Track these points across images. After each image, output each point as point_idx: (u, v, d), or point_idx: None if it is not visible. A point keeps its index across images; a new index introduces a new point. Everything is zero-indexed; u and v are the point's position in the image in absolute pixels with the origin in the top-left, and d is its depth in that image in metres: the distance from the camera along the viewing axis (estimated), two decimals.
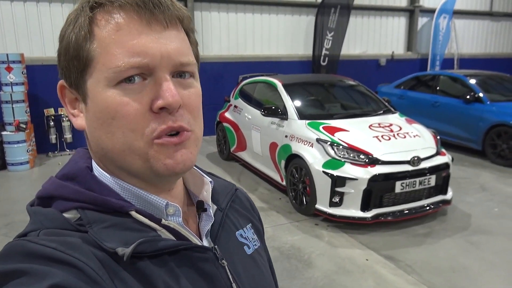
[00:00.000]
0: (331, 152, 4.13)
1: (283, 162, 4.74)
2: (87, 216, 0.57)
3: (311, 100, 5.43)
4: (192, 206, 0.72)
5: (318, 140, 4.28)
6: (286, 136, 4.71)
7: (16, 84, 6.16)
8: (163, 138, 0.57)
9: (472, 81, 6.98)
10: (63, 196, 0.59)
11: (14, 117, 6.12)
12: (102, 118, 0.57)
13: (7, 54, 6.08)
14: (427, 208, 4.17)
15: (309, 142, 4.36)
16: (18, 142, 6.11)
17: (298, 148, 4.45)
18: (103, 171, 0.63)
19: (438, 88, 7.56)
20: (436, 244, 3.80)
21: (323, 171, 4.05)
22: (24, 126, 6.20)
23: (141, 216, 0.59)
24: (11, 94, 6.08)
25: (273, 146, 4.99)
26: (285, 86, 5.27)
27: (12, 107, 6.10)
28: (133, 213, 0.59)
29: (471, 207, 4.64)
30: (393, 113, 5.18)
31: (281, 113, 4.93)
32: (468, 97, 6.73)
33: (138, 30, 0.56)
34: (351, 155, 4.09)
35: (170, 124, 0.57)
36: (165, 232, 0.62)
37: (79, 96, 0.61)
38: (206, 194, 0.72)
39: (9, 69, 6.07)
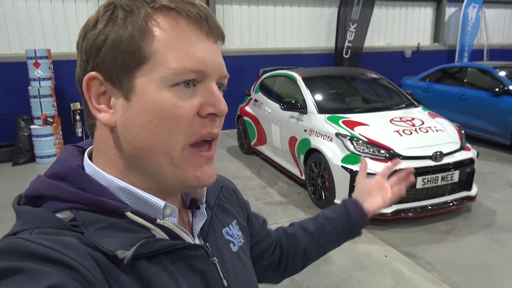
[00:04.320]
0: (350, 146, 4.08)
1: (302, 157, 4.72)
2: (81, 216, 0.57)
3: (331, 94, 5.37)
4: (184, 204, 0.73)
5: (337, 134, 4.24)
6: (305, 130, 4.68)
7: (44, 79, 6.35)
8: (196, 151, 0.61)
9: (502, 73, 6.72)
10: (55, 196, 0.58)
11: (41, 111, 6.32)
12: (149, 116, 0.57)
13: (34, 50, 6.27)
14: (450, 204, 4.07)
15: (328, 137, 4.31)
16: (45, 136, 6.32)
17: (317, 142, 4.41)
18: (100, 170, 0.62)
19: (465, 80, 7.31)
20: (458, 242, 3.71)
21: (342, 166, 4.01)
22: (51, 120, 6.40)
23: (136, 217, 0.59)
24: (38, 89, 6.28)
25: (292, 140, 4.97)
26: (305, 80, 5.22)
27: (40, 102, 6.30)
28: (128, 213, 0.59)
29: (497, 204, 4.50)
30: (416, 106, 5.05)
31: (300, 107, 4.90)
32: (497, 89, 6.49)
33: (198, 37, 0.60)
34: (371, 149, 4.03)
35: (211, 130, 0.61)
36: (160, 231, 0.62)
37: (119, 91, 0.58)
38: (200, 192, 0.72)
39: (36, 65, 6.27)
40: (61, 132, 6.82)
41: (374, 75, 5.73)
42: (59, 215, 0.57)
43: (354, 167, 3.93)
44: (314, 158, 4.47)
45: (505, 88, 6.45)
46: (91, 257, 0.53)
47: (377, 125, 4.34)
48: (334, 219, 1.04)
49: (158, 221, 0.62)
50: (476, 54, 10.55)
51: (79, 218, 0.57)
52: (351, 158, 4.02)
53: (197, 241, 0.69)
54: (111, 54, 0.57)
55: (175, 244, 0.61)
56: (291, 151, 5.02)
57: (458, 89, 7.26)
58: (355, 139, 4.12)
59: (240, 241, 0.81)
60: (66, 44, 7.15)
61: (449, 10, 10.43)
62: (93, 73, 0.59)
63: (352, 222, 1.04)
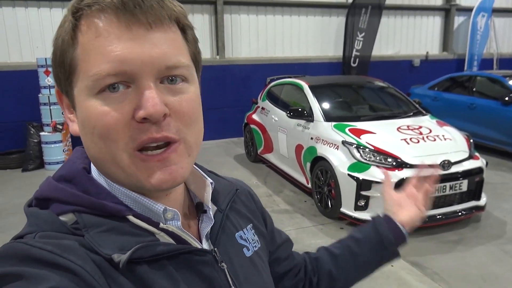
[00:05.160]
0: (357, 154, 4.06)
1: (308, 165, 4.70)
2: (83, 220, 0.56)
3: (337, 102, 5.36)
4: (193, 207, 0.71)
5: (343, 142, 4.22)
6: (311, 138, 4.66)
7: (54, 87, 6.42)
8: (144, 155, 0.55)
9: (511, 82, 6.65)
10: (60, 199, 0.58)
11: (51, 119, 6.41)
12: (86, 127, 0.56)
13: (45, 58, 6.38)
14: (459, 214, 4.01)
15: (335, 145, 4.29)
16: (55, 142, 6.40)
17: (323, 150, 4.40)
18: (100, 173, 0.62)
19: (474, 89, 7.25)
20: (467, 252, 3.64)
21: (348, 174, 3.98)
22: (60, 127, 6.48)
23: (138, 220, 0.58)
24: (49, 97, 6.38)
25: (298, 148, 4.96)
26: (312, 88, 5.22)
27: (50, 109, 6.39)
28: (131, 217, 0.58)
29: (508, 214, 4.42)
30: (423, 115, 5.02)
31: (306, 115, 4.89)
32: (506, 98, 6.42)
33: (116, 34, 0.53)
34: (378, 158, 3.99)
35: (152, 135, 0.54)
36: (164, 235, 0.60)
37: (70, 103, 0.60)
38: (206, 195, 0.70)
39: (47, 73, 6.37)
40: (70, 139, 6.89)
41: (381, 84, 5.72)
42: (62, 218, 0.57)
43: (361, 175, 3.90)
44: (320, 166, 4.45)
45: None
46: (91, 260, 0.52)
47: (384, 133, 4.31)
48: (361, 240, 0.93)
49: (161, 225, 0.60)
50: (485, 63, 10.47)
51: (80, 221, 0.56)
52: (357, 166, 3.99)
53: (205, 246, 0.67)
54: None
55: (178, 249, 0.59)
56: (298, 159, 5.00)
57: (467, 98, 7.20)
58: (361, 147, 4.10)
59: (255, 246, 0.77)
60: None
61: (458, 19, 10.40)
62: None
63: (383, 240, 0.92)
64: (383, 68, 9.38)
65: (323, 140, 4.48)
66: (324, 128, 4.58)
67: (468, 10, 10.14)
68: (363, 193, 3.88)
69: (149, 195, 0.60)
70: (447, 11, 10.20)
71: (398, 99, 5.43)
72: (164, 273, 0.58)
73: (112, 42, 0.52)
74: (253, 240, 0.77)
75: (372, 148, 4.07)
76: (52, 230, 0.55)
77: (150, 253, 0.56)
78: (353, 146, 4.13)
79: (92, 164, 0.63)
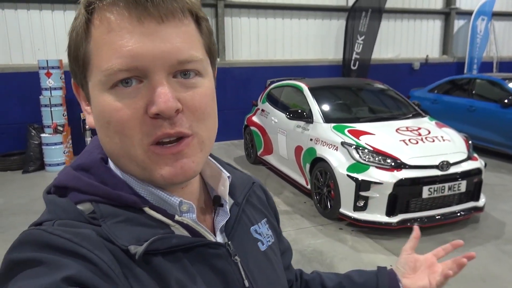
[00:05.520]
0: (356, 155, 4.07)
1: (308, 166, 4.71)
2: (100, 209, 0.57)
3: (337, 104, 5.38)
4: (209, 200, 0.71)
5: (343, 143, 4.23)
6: (311, 140, 4.68)
7: (55, 88, 6.48)
8: (159, 147, 0.55)
9: (511, 85, 6.67)
10: (77, 188, 0.59)
11: (52, 120, 6.43)
12: (100, 121, 0.57)
13: (47, 61, 6.42)
14: (458, 214, 4.01)
15: (334, 146, 4.31)
16: (55, 144, 6.42)
17: (322, 151, 4.41)
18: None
19: (474, 92, 7.27)
20: (466, 252, 3.63)
21: (348, 175, 4.00)
22: (61, 129, 6.51)
23: (154, 212, 0.59)
24: (50, 98, 6.41)
25: (298, 149, 4.97)
26: (311, 90, 5.25)
27: (51, 111, 6.42)
28: (147, 209, 0.59)
29: (506, 215, 4.42)
30: (422, 116, 5.04)
31: (306, 117, 4.92)
32: (506, 101, 6.44)
33: (128, 29, 0.52)
34: (376, 158, 4.01)
35: (166, 131, 0.54)
36: (179, 228, 0.61)
37: (86, 96, 0.60)
38: (223, 189, 0.70)
39: (48, 75, 6.42)
40: (70, 141, 6.92)
41: (380, 86, 5.74)
42: (80, 207, 0.58)
43: (360, 176, 3.92)
44: (319, 167, 4.46)
45: None
46: (108, 250, 0.53)
47: (383, 134, 4.33)
48: (357, 283, 0.89)
49: (177, 217, 0.60)
50: (485, 67, 10.50)
51: (98, 210, 0.57)
52: (356, 167, 4.01)
53: (220, 239, 0.67)
54: (70, 61, 0.59)
55: (193, 241, 0.60)
56: (297, 160, 5.02)
57: (467, 100, 7.22)
58: (360, 148, 4.11)
59: (269, 240, 0.76)
60: None
61: (458, 23, 10.44)
62: (72, 80, 0.62)
63: None
64: (383, 71, 9.41)
65: (322, 141, 4.50)
66: (324, 130, 4.60)
67: (468, 13, 10.19)
68: (362, 193, 3.89)
69: (165, 188, 0.61)
70: (447, 15, 10.24)
71: (397, 101, 5.45)
72: (179, 265, 0.58)
73: (124, 37, 0.52)
74: (267, 234, 0.77)
75: (371, 149, 4.08)
76: (70, 219, 0.56)
77: (165, 245, 0.57)
78: (352, 147, 4.15)
79: None
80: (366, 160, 4.02)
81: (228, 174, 0.71)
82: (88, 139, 7.12)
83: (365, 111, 5.33)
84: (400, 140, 4.20)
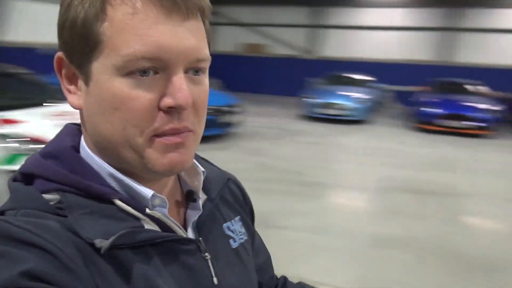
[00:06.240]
0: (14, 146, 3.78)
1: None
2: (67, 200, 0.54)
3: None
4: (183, 194, 0.69)
5: None
6: None
7: None
8: (164, 137, 0.55)
9: None
10: (44, 176, 0.55)
11: None
12: (104, 106, 0.53)
13: None
14: None
15: None
16: None
17: None
18: (91, 153, 0.59)
19: None
20: None
21: (5, 170, 3.66)
22: None
23: (124, 205, 0.56)
24: None
25: None
26: None
27: None
28: (116, 201, 0.56)
29: None
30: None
31: None
32: None
33: (156, 18, 0.51)
34: (35, 146, 3.89)
35: (174, 125, 0.54)
36: (150, 221, 0.58)
37: (81, 76, 0.55)
38: (197, 184, 0.68)
39: None
40: None
41: (21, 71, 5.37)
42: (46, 196, 0.55)
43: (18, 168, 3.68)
44: None
45: None
46: (72, 243, 0.50)
47: (38, 121, 4.20)
48: None
49: (147, 211, 0.58)
50: None
51: (65, 200, 0.54)
52: (16, 158, 3.73)
53: (190, 235, 0.65)
54: (69, 36, 0.55)
55: (162, 236, 0.58)
56: None
57: None
58: (17, 137, 3.84)
59: (242, 238, 0.75)
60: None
61: None
62: (60, 53, 0.57)
63: None
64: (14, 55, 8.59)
65: None
66: None
67: None
68: None
69: (140, 180, 0.59)
70: None
71: (43, 87, 5.30)
72: (147, 260, 0.56)
73: (151, 26, 0.51)
74: (240, 232, 0.76)
75: (28, 137, 3.90)
76: (34, 208, 0.53)
77: (133, 239, 0.55)
78: (8, 137, 3.80)
79: (82, 143, 0.60)
80: (23, 149, 3.81)
81: (203, 169, 0.69)
82: None
83: (7, 98, 4.87)
84: (56, 126, 4.20)
